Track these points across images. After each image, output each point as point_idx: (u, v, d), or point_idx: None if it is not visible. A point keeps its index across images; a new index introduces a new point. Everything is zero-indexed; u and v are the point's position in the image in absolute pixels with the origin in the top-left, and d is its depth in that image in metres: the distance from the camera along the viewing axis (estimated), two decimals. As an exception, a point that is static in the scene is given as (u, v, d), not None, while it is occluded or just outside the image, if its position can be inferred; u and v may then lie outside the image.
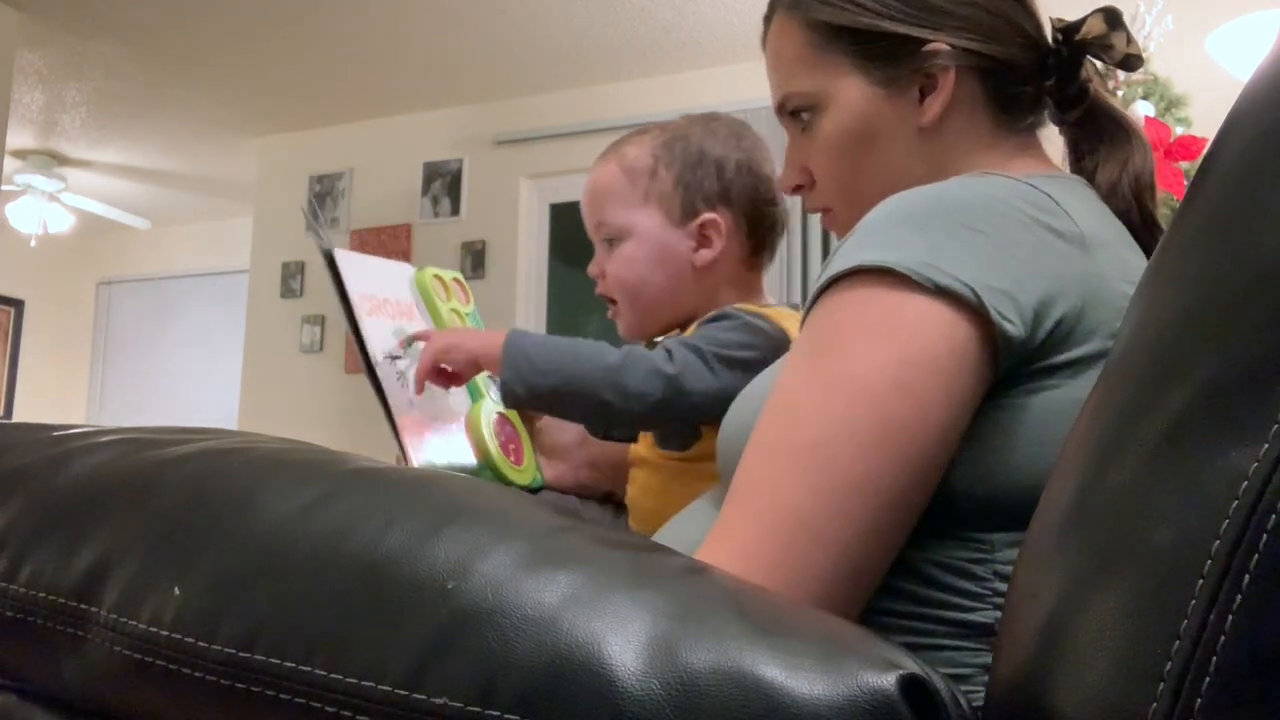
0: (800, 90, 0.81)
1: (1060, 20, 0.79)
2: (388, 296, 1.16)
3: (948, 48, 0.76)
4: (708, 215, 1.10)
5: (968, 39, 0.76)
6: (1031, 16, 0.78)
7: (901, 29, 0.76)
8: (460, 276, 1.32)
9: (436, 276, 1.25)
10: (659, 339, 1.11)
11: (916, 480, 0.60)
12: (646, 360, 1.00)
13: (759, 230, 1.13)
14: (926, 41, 0.76)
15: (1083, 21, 0.77)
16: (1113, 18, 0.77)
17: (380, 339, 1.11)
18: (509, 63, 4.08)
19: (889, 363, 0.60)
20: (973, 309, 0.60)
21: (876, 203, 0.68)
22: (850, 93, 0.78)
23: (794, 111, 0.82)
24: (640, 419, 1.04)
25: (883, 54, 0.77)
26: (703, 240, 1.11)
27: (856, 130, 0.79)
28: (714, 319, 1.06)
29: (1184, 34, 2.89)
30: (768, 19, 0.85)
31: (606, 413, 1.01)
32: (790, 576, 0.58)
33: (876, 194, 0.70)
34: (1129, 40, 0.77)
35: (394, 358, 1.12)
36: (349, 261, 1.13)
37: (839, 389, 0.61)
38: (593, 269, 1.16)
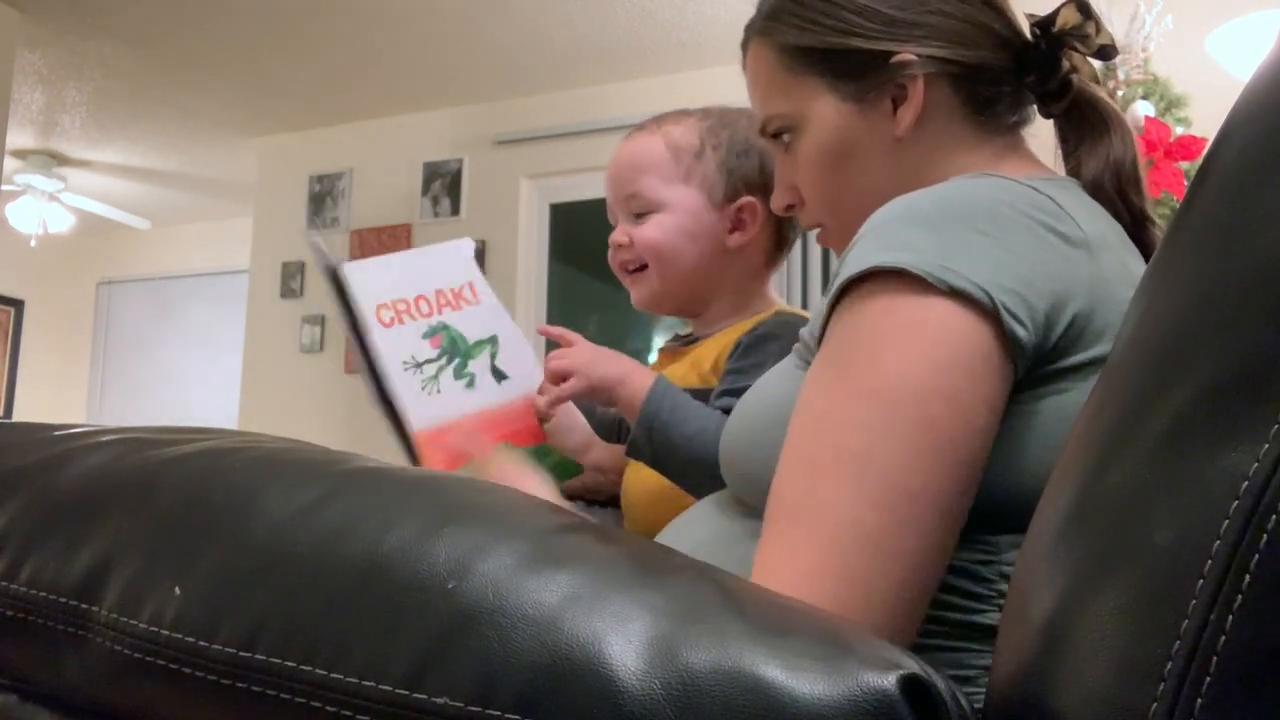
0: (778, 113, 0.83)
1: (1034, 16, 0.80)
2: (422, 292, 1.04)
3: (914, 58, 0.76)
4: (746, 199, 1.12)
5: (934, 47, 0.76)
6: (1000, 16, 0.78)
7: (867, 44, 0.77)
8: None
9: None
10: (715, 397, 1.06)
11: (964, 483, 0.60)
12: None
13: (785, 224, 1.15)
14: (893, 54, 0.77)
15: (1056, 13, 0.78)
16: (1084, 7, 0.78)
17: (399, 349, 1.00)
18: (509, 63, 4.08)
19: (923, 368, 0.60)
20: (986, 312, 0.60)
21: (863, 215, 0.68)
22: (824, 110, 0.79)
23: (775, 134, 0.84)
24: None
25: (851, 70, 0.78)
26: (738, 223, 1.13)
27: (834, 147, 0.80)
28: (770, 336, 1.04)
29: (1184, 34, 2.89)
30: (745, 46, 0.86)
31: (696, 485, 0.97)
32: (865, 594, 0.57)
33: (861, 207, 0.71)
34: (1099, 29, 0.78)
35: (420, 364, 1.01)
36: (358, 271, 1.02)
37: (877, 398, 0.60)
38: (617, 236, 1.13)
